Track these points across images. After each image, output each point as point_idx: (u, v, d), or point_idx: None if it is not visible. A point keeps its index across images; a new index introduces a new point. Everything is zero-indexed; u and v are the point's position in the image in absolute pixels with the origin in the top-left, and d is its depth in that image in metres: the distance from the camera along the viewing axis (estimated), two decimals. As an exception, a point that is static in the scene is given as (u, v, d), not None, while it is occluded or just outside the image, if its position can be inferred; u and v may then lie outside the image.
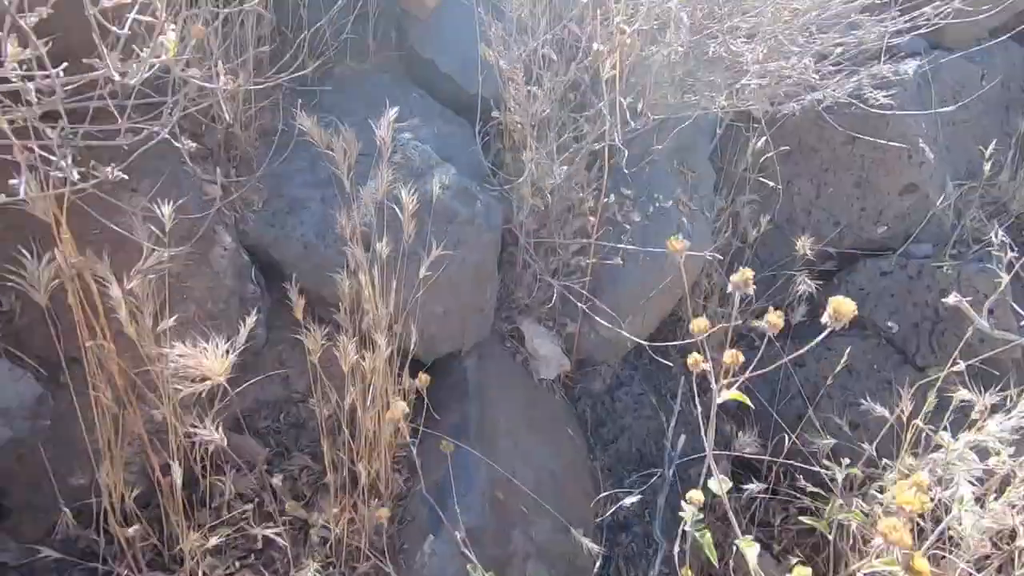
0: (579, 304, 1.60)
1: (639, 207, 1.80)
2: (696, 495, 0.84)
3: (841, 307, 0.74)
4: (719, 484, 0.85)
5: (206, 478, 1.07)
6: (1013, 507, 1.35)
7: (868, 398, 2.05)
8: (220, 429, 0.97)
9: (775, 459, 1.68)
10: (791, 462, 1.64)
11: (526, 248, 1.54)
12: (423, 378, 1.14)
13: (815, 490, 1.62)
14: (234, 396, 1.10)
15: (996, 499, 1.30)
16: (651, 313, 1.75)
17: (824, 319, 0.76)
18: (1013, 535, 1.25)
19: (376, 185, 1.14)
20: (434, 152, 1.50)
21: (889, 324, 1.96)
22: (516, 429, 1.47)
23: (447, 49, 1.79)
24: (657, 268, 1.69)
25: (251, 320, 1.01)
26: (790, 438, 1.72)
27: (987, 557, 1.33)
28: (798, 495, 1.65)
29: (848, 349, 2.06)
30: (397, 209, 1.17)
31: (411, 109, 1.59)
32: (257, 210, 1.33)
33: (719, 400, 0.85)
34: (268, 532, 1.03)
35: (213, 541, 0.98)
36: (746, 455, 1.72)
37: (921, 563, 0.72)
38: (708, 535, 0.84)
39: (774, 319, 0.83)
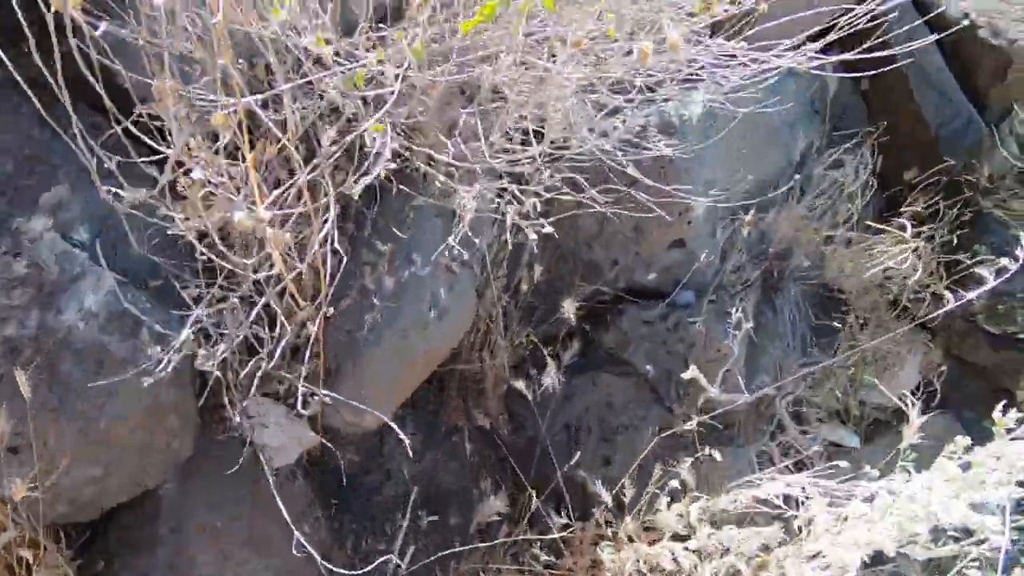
0: (310, 397, 1.47)
1: (394, 269, 1.64)
2: None
3: None
4: None
5: None
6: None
7: (621, 433, 2.20)
8: None
9: (512, 530, 1.78)
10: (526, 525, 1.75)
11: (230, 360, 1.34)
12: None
13: (554, 535, 1.76)
14: None
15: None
16: (402, 390, 1.67)
17: None
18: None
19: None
20: (86, 249, 1.11)
21: (647, 367, 2.07)
22: (227, 546, 1.37)
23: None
24: (405, 348, 1.58)
25: None
26: (538, 492, 1.82)
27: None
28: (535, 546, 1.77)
29: (610, 387, 2.16)
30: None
31: (56, 169, 1.16)
32: None
33: None
34: None
35: None
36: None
37: None
38: None
39: None
